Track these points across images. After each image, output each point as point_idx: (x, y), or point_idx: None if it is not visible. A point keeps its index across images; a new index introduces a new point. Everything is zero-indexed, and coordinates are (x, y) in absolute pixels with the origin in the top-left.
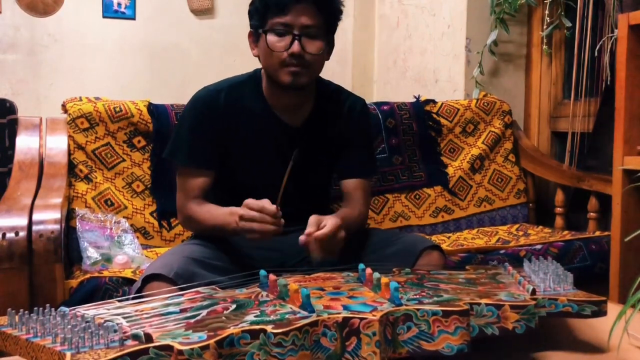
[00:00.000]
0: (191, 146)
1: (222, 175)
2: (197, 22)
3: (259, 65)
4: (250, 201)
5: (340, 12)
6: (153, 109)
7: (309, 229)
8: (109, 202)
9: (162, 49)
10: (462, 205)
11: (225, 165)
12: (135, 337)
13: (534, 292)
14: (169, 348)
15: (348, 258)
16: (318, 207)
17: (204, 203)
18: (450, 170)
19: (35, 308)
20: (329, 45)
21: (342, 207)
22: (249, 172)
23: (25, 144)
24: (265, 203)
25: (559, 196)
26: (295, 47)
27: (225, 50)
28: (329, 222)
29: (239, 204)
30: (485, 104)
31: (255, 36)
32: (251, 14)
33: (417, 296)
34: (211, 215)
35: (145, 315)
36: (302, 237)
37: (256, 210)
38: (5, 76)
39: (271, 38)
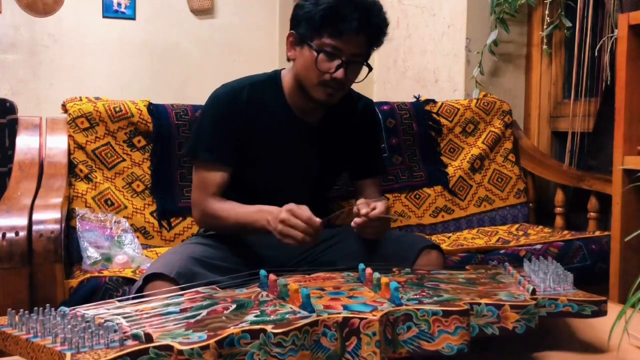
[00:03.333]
0: (213, 142)
1: (237, 174)
2: (197, 22)
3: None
4: (294, 207)
5: (383, 42)
6: (153, 108)
7: (364, 209)
8: (109, 202)
9: (162, 49)
10: (462, 205)
11: (241, 163)
12: (135, 337)
13: (534, 292)
14: (169, 348)
15: (348, 258)
16: (322, 206)
17: (225, 200)
18: (450, 170)
19: (35, 308)
20: (369, 69)
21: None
22: (265, 170)
23: (25, 144)
24: (310, 214)
25: (559, 196)
26: (340, 73)
27: (225, 50)
28: (379, 203)
29: (252, 202)
30: (485, 103)
31: (297, 41)
32: (299, 19)
33: (417, 296)
34: (236, 213)
35: (145, 315)
36: (357, 220)
37: (302, 220)
38: (5, 76)
39: (320, 57)
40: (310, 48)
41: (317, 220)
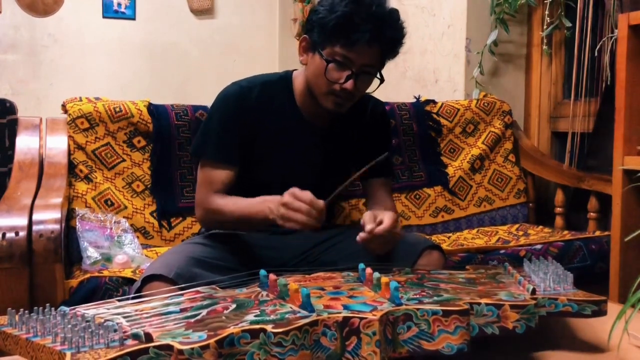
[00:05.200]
0: (221, 140)
1: (242, 173)
2: (197, 22)
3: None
4: (296, 191)
5: (399, 52)
6: (153, 109)
7: (369, 226)
8: (109, 202)
9: (162, 49)
10: (462, 205)
11: (247, 163)
12: (135, 336)
13: (534, 291)
14: (169, 348)
15: (348, 258)
16: (327, 210)
17: (227, 196)
18: (450, 170)
19: (35, 308)
20: (380, 80)
21: (370, 205)
22: (271, 170)
23: (25, 144)
24: (312, 196)
25: (559, 196)
26: (349, 84)
27: (225, 50)
28: (386, 217)
29: None
30: (485, 104)
31: (310, 47)
32: (313, 25)
33: (417, 296)
34: (238, 206)
35: (145, 315)
36: (362, 234)
37: (305, 202)
38: (5, 76)
39: (330, 66)
40: (321, 56)
41: (320, 202)
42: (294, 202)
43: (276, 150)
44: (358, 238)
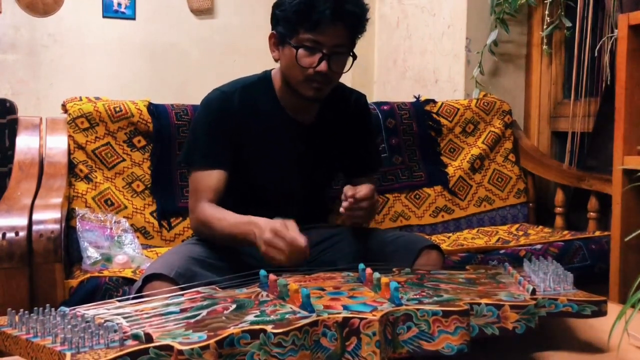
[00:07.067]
0: (207, 147)
1: (232, 177)
2: (197, 22)
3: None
4: (278, 228)
5: (366, 28)
6: (153, 108)
7: (350, 192)
8: (109, 202)
9: (162, 49)
10: (462, 205)
11: (236, 166)
12: (135, 337)
13: (534, 292)
14: (169, 348)
15: (348, 257)
16: (320, 208)
17: (218, 208)
18: (450, 170)
19: (35, 308)
20: (353, 58)
21: None
22: (260, 171)
23: (25, 143)
24: (296, 234)
25: (559, 196)
26: (323, 66)
27: (225, 50)
28: (364, 186)
29: (249, 204)
30: (485, 103)
31: (279, 41)
32: (277, 18)
33: (417, 296)
34: (228, 223)
35: (145, 315)
36: (345, 203)
37: (286, 241)
38: (5, 76)
39: (300, 53)
40: (290, 46)
41: (301, 241)
42: (274, 241)
43: (264, 150)
44: (341, 209)
